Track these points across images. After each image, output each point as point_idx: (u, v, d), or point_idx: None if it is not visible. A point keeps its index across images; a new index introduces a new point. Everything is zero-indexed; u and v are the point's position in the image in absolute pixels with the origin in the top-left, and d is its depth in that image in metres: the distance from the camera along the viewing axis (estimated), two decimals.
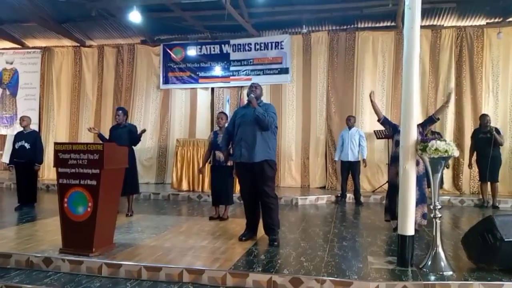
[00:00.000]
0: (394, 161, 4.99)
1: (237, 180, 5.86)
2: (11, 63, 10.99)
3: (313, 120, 9.35)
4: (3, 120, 11.00)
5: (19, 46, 11.03)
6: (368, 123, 8.96)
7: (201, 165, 6.60)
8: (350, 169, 7.84)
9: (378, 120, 5.35)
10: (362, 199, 7.80)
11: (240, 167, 4.65)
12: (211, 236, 4.92)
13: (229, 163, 5.63)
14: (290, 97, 9.47)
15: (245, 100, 4.86)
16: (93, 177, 4.10)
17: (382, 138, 8.25)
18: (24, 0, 8.64)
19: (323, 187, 9.20)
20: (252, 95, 4.58)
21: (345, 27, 9.38)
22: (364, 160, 7.78)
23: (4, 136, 11.08)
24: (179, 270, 3.66)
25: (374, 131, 8.48)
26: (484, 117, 7.38)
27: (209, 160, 5.98)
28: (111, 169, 4.22)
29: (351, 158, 7.74)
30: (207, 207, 7.19)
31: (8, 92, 11.05)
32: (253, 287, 3.46)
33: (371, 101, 5.28)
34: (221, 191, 5.73)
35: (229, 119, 5.79)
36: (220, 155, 5.63)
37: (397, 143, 4.88)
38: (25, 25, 10.02)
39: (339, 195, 8.02)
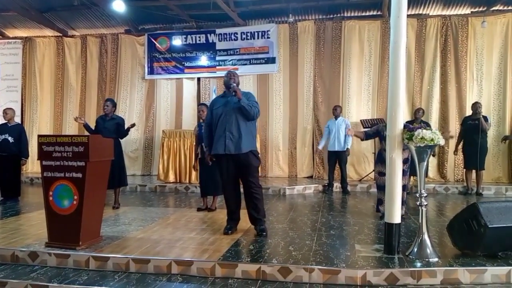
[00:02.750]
0: (383, 162, 4.99)
1: None
2: None
3: (300, 110, 9.35)
4: None
5: None
6: (355, 112, 9.01)
7: (193, 161, 6.49)
8: (337, 159, 7.88)
9: (362, 140, 5.39)
10: (349, 188, 7.87)
11: (224, 159, 4.47)
12: (199, 227, 4.90)
13: None
14: (277, 86, 9.44)
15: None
16: (79, 169, 4.05)
17: (369, 127, 8.28)
18: None
19: (310, 177, 9.25)
20: (234, 84, 4.40)
21: (331, 16, 9.36)
22: (347, 149, 7.79)
23: None
24: (168, 262, 3.65)
25: (361, 120, 8.53)
26: (475, 104, 7.46)
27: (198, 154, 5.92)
28: (97, 161, 4.16)
29: (338, 148, 7.77)
30: (194, 198, 7.17)
31: None
32: (242, 277, 3.46)
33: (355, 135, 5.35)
34: (209, 182, 5.70)
35: None
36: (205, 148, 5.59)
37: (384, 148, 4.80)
38: (5, 14, 9.74)
39: (326, 184, 8.07)
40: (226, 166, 4.51)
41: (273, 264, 3.51)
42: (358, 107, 9.04)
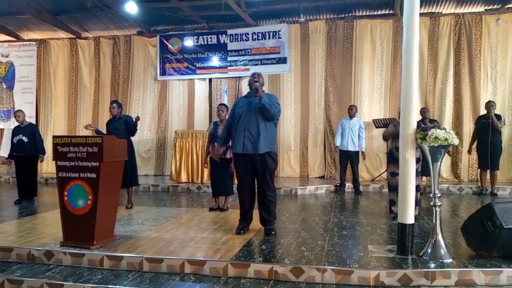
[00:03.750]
0: (395, 162, 4.96)
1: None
2: (7, 56, 10.90)
3: (311, 109, 9.33)
4: (0, 114, 10.94)
5: (14, 39, 10.93)
6: (367, 112, 8.95)
7: (203, 158, 6.52)
8: (349, 159, 7.83)
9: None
10: (361, 188, 7.82)
11: (241, 159, 4.50)
12: (211, 227, 4.93)
13: (228, 155, 5.62)
14: (288, 86, 9.43)
15: (243, 91, 4.76)
16: (93, 170, 4.09)
17: (381, 127, 8.24)
18: None
19: (322, 177, 9.22)
20: (257, 83, 4.42)
21: (343, 15, 9.32)
22: (363, 153, 7.76)
23: (2, 130, 11.02)
24: (181, 262, 3.67)
25: (373, 120, 8.49)
26: (488, 103, 7.36)
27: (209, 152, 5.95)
28: (111, 162, 4.21)
29: (351, 148, 7.73)
30: (206, 198, 7.21)
31: (4, 86, 10.97)
32: (255, 277, 3.47)
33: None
34: (221, 182, 5.72)
35: (229, 111, 5.74)
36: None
37: (397, 149, 4.75)
38: (20, 17, 9.91)
39: (338, 184, 8.03)
40: (243, 165, 4.52)
41: (285, 264, 3.51)
42: (370, 107, 8.98)
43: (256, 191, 4.64)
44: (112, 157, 4.22)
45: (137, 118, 6.14)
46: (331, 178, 8.99)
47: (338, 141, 7.93)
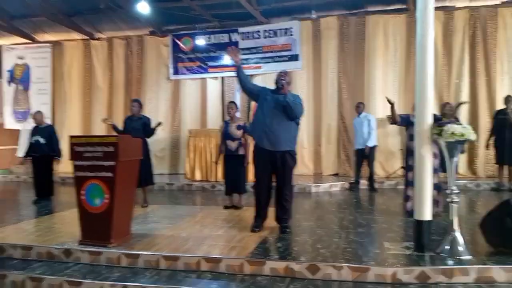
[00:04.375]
0: (410, 155, 4.93)
1: (250, 169, 5.86)
2: (23, 58, 11.09)
3: (324, 106, 9.29)
4: (17, 115, 11.14)
5: (30, 41, 11.10)
6: (381, 108, 8.86)
7: (215, 157, 6.54)
8: (363, 156, 7.78)
9: (395, 123, 5.27)
10: (376, 185, 7.76)
11: (261, 153, 4.48)
12: (226, 225, 4.95)
13: (241, 152, 5.65)
14: (300, 84, 9.40)
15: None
16: (109, 169, 4.12)
17: (395, 123, 8.15)
18: None
19: (336, 174, 9.18)
20: (283, 81, 4.42)
21: (355, 11, 9.24)
22: (374, 147, 7.67)
23: (19, 131, 11.20)
24: (197, 259, 3.69)
25: (388, 116, 8.40)
26: (507, 98, 7.24)
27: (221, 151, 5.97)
28: (127, 161, 4.24)
29: (361, 145, 7.69)
30: (221, 196, 7.22)
31: (21, 87, 11.16)
32: (271, 275, 3.48)
33: (392, 107, 5.25)
34: (235, 180, 5.75)
35: (239, 108, 5.76)
36: (232, 144, 5.65)
37: (411, 137, 4.81)
38: (35, 19, 10.07)
39: (353, 181, 7.98)
40: (263, 160, 4.50)
41: (301, 261, 3.51)
42: (384, 103, 8.82)
43: (272, 189, 4.63)
44: (127, 156, 4.26)
45: (159, 124, 6.21)
46: (346, 175, 8.94)
47: (356, 144, 7.90)
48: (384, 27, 8.89)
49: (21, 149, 10.45)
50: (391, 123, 5.51)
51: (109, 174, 4.13)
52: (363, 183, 7.93)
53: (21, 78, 11.13)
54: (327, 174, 9.23)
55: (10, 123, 11.19)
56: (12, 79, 11.17)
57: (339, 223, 5.01)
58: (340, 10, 9.32)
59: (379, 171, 8.69)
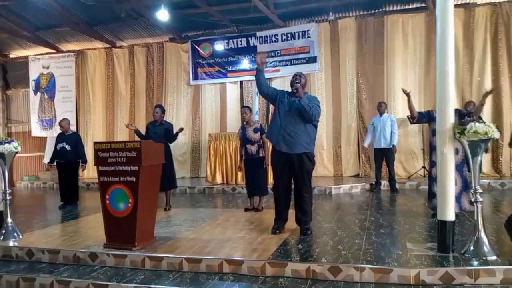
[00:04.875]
0: (433, 150, 4.87)
1: (270, 171, 5.89)
2: (48, 68, 11.42)
3: (343, 108, 9.25)
4: (43, 123, 11.47)
5: (54, 51, 11.43)
6: (401, 108, 8.78)
7: (238, 162, 6.53)
8: (384, 156, 7.70)
9: (413, 119, 5.22)
10: (397, 185, 7.67)
11: (278, 156, 4.49)
12: (247, 227, 4.98)
13: (261, 154, 5.69)
14: (319, 86, 9.39)
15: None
16: (132, 173, 4.21)
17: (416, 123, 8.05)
18: (57, 6, 8.94)
19: (357, 175, 9.12)
20: (298, 84, 4.43)
21: (373, 11, 9.19)
22: (394, 147, 7.60)
23: (45, 138, 11.53)
24: (219, 261, 3.73)
25: (408, 116, 8.28)
26: None
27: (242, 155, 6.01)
28: (149, 166, 4.33)
29: (384, 145, 7.60)
30: (241, 199, 7.28)
31: (46, 96, 11.50)
32: (292, 276, 3.49)
33: (408, 99, 5.19)
34: (255, 182, 5.78)
35: (253, 111, 5.80)
36: (252, 148, 5.68)
37: (434, 132, 4.75)
38: (59, 30, 10.38)
39: (373, 182, 7.91)
40: (280, 163, 4.52)
41: (322, 263, 3.51)
42: (404, 103, 8.71)
43: (292, 191, 4.64)
44: (150, 161, 4.34)
45: (181, 130, 6.31)
46: (366, 176, 8.87)
47: (367, 142, 7.87)
48: (403, 27, 8.80)
49: (47, 156, 10.76)
50: (412, 123, 5.42)
51: (132, 179, 4.22)
52: (384, 184, 7.85)
53: (46, 87, 11.47)
54: (348, 176, 9.18)
55: (37, 131, 11.53)
56: (38, 88, 11.52)
57: (360, 225, 4.98)
58: (358, 10, 9.28)
59: (400, 171, 8.59)
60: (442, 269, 3.24)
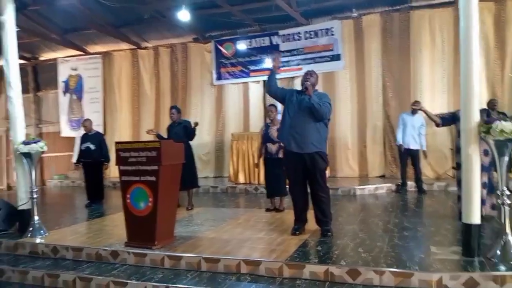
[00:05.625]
0: (458, 151, 4.69)
1: None
2: (76, 69, 11.72)
3: (369, 106, 9.07)
4: (72, 123, 11.78)
5: (82, 53, 11.71)
6: (429, 106, 8.41)
7: (256, 160, 6.55)
8: (411, 157, 7.48)
9: (437, 125, 5.06)
10: (424, 187, 7.44)
11: (290, 156, 4.44)
12: (267, 228, 4.95)
13: (281, 155, 5.63)
14: (343, 84, 9.24)
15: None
16: (152, 173, 4.26)
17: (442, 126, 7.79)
18: (83, 9, 9.17)
19: (383, 176, 8.92)
20: (307, 82, 4.36)
21: (398, 7, 8.94)
22: (424, 152, 7.40)
23: (74, 138, 11.83)
24: (237, 262, 3.72)
25: (436, 115, 8.05)
26: None
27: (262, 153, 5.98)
28: (169, 165, 4.36)
29: (412, 145, 7.37)
30: (263, 199, 7.23)
31: (75, 97, 11.80)
32: (310, 278, 3.43)
33: (424, 112, 5.06)
34: (275, 183, 5.73)
35: (279, 111, 5.75)
36: (272, 147, 5.65)
37: (459, 133, 4.57)
38: (86, 32, 10.61)
39: (399, 183, 7.71)
40: (293, 165, 4.46)
41: (341, 265, 3.44)
42: (432, 101, 8.53)
43: (309, 192, 4.57)
44: (170, 160, 4.37)
45: (196, 124, 6.33)
46: (393, 177, 8.65)
47: (400, 138, 7.56)
48: (430, 22, 8.55)
49: (75, 156, 11.05)
50: (437, 126, 5.23)
51: (153, 178, 4.26)
52: (411, 185, 7.64)
53: (75, 88, 11.77)
54: (373, 176, 8.99)
55: (66, 131, 11.86)
56: (67, 90, 11.85)
57: (383, 227, 4.86)
58: (383, 6, 9.06)
59: (428, 172, 8.35)
60: (466, 274, 3.12)
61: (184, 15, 8.21)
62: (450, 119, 4.96)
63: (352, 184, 7.93)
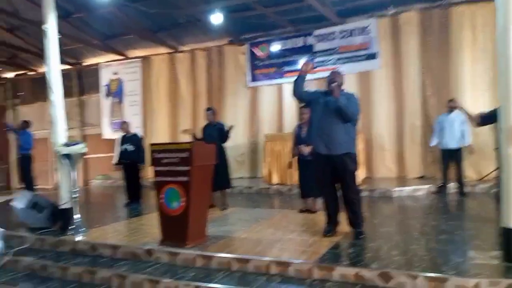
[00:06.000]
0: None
1: None
2: (116, 74, 12.17)
3: (407, 105, 8.82)
4: (113, 125, 12.21)
5: (122, 57, 12.14)
6: (470, 104, 8.12)
7: (289, 160, 6.53)
8: (452, 157, 7.18)
9: (477, 125, 4.83)
10: (466, 188, 7.11)
11: (320, 159, 4.42)
12: (299, 229, 4.92)
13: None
14: (380, 83, 9.04)
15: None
16: (185, 173, 4.34)
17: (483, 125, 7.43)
18: (123, 15, 9.51)
19: (422, 177, 8.63)
20: (334, 84, 4.29)
21: (437, 3, 8.64)
22: (469, 147, 7.05)
23: (115, 140, 12.26)
24: (267, 262, 3.72)
25: (479, 113, 7.71)
26: None
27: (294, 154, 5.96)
28: (201, 166, 4.43)
29: (452, 145, 7.08)
30: (297, 199, 7.16)
31: (116, 100, 12.25)
32: (340, 281, 3.38)
33: (462, 110, 4.86)
34: (308, 184, 5.68)
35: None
36: (305, 148, 5.61)
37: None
38: (126, 37, 11.00)
39: (440, 185, 7.43)
40: (322, 167, 4.42)
41: (372, 268, 3.37)
42: (474, 99, 8.18)
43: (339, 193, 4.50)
44: (201, 161, 4.44)
45: (231, 127, 6.41)
46: (432, 178, 8.36)
47: (434, 141, 7.35)
48: (471, 19, 8.20)
49: (116, 157, 11.45)
50: (475, 126, 4.98)
51: (185, 179, 4.34)
52: (452, 187, 7.35)
53: (116, 91, 12.22)
54: (412, 177, 8.72)
55: (108, 133, 12.32)
56: (108, 93, 12.32)
57: (419, 229, 4.71)
58: (421, 3, 8.78)
59: (470, 173, 8.00)
60: (506, 280, 2.98)
61: (217, 18, 8.32)
62: (490, 118, 4.70)
63: (389, 186, 7.74)
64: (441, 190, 7.30)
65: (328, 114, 4.30)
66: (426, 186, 7.57)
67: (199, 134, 6.64)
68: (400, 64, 8.85)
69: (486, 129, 7.92)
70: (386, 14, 8.95)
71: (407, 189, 7.48)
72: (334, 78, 4.36)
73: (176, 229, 4.38)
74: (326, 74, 9.42)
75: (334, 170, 4.34)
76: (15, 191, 12.26)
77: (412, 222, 5.13)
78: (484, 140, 7.97)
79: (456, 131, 7.02)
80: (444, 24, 8.42)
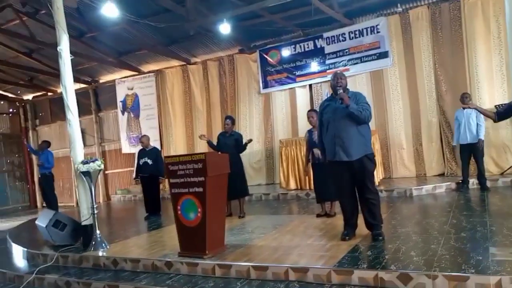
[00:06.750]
0: None
1: None
2: (132, 89, 12.37)
3: (422, 102, 8.71)
4: (131, 140, 12.42)
5: (136, 73, 12.36)
6: (487, 97, 8.03)
7: (305, 165, 6.50)
8: (472, 152, 7.04)
9: (494, 121, 4.70)
10: (488, 183, 6.97)
11: (336, 166, 4.37)
12: (317, 234, 4.90)
13: None
14: (393, 81, 8.95)
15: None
16: (200, 184, 4.38)
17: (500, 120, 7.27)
18: (135, 32, 9.71)
19: (442, 174, 8.48)
20: (341, 90, 4.26)
21: None
22: (480, 140, 6.88)
23: (134, 154, 12.47)
24: (285, 269, 3.73)
25: (496, 106, 7.54)
26: None
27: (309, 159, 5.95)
28: (215, 176, 4.46)
29: (470, 139, 6.94)
30: (314, 204, 7.12)
31: (132, 115, 12.45)
32: (359, 284, 3.36)
33: (475, 109, 4.77)
34: (323, 187, 5.66)
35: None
36: (318, 152, 5.59)
37: None
38: (139, 53, 11.22)
39: (460, 181, 7.29)
40: (340, 173, 4.38)
41: (391, 270, 3.33)
42: (491, 92, 8.02)
43: (357, 195, 4.46)
44: (215, 171, 4.47)
45: (250, 141, 6.49)
46: (453, 175, 8.20)
47: (455, 140, 7.22)
48: (483, 9, 8.05)
49: (135, 171, 11.64)
50: (496, 121, 4.83)
51: (200, 189, 4.39)
52: (473, 182, 7.20)
53: (131, 106, 12.42)
54: (432, 175, 8.57)
55: (126, 148, 12.53)
56: (124, 108, 12.53)
57: (439, 228, 4.62)
58: None
59: (491, 167, 7.83)
60: None
61: (225, 28, 8.40)
62: (507, 112, 4.56)
63: (408, 185, 7.63)
64: (462, 186, 7.17)
65: (339, 120, 4.28)
66: (446, 184, 7.44)
67: (214, 142, 6.70)
68: (413, 61, 8.74)
69: (506, 121, 7.78)
70: (395, 12, 8.88)
71: (427, 187, 7.37)
72: (338, 81, 4.34)
73: (194, 240, 4.42)
74: None
75: (352, 174, 4.31)
76: (40, 210, 12.61)
77: (431, 221, 5.04)
78: (504, 134, 7.83)
79: (473, 125, 6.89)
80: (455, 17, 8.29)
